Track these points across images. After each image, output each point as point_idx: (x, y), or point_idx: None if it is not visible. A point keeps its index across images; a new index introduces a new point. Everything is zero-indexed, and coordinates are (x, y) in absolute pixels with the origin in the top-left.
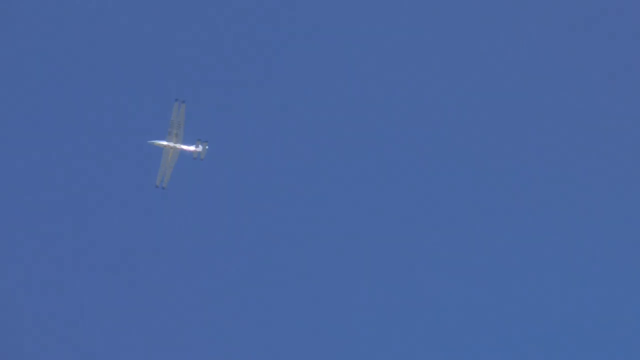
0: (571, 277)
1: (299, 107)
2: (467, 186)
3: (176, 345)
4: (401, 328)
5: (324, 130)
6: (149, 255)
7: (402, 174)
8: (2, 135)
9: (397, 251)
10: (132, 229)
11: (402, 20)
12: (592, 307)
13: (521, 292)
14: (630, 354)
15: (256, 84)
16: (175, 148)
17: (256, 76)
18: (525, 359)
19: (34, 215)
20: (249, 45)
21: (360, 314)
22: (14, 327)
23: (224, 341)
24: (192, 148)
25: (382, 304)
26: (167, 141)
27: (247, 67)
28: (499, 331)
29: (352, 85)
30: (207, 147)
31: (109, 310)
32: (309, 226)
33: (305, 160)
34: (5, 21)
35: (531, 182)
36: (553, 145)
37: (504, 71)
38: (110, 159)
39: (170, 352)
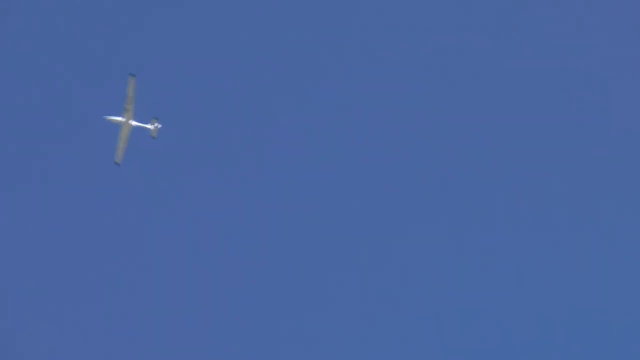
0: (571, 278)
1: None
2: (466, 187)
3: (126, 329)
4: (400, 328)
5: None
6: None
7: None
8: None
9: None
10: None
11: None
12: (592, 308)
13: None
14: (630, 354)
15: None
16: (128, 124)
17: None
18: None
19: None
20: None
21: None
22: None
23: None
24: (146, 125)
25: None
26: (121, 117)
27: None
28: (498, 332)
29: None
30: (158, 125)
31: (67, 292)
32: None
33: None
34: None
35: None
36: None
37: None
38: (68, 135)
39: (122, 336)
